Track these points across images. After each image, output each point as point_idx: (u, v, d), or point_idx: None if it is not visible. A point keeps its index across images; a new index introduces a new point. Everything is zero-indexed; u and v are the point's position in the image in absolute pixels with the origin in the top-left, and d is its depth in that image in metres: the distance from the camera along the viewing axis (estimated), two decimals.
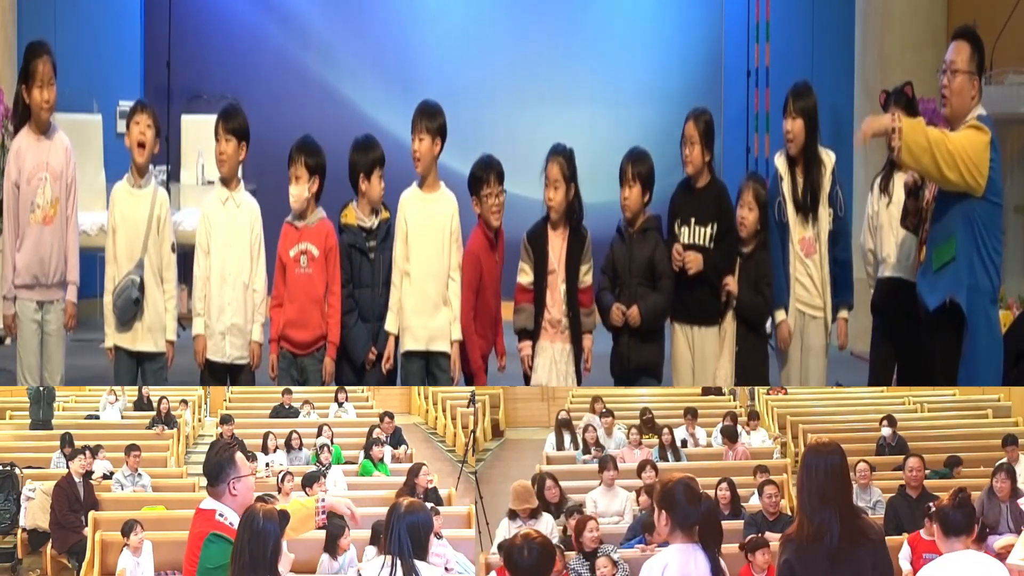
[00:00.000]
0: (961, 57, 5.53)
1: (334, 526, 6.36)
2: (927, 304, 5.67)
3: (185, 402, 11.27)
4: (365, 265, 6.24)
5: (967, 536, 3.70)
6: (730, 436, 9.31)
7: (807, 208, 6.23)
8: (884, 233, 6.41)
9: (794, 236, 6.26)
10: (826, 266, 6.25)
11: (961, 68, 5.52)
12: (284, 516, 3.83)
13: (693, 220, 6.15)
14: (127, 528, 6.57)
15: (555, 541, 6.43)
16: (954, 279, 5.59)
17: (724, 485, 7.17)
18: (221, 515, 3.96)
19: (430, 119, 6.20)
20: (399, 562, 3.83)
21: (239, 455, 4.07)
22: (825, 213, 6.23)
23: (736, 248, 6.20)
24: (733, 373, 6.21)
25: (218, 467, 4.03)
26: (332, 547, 6.30)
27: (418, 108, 6.26)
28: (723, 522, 6.74)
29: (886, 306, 6.47)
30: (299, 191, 6.16)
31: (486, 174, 6.13)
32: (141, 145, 6.34)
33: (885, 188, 6.45)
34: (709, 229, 6.14)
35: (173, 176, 10.76)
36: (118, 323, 6.34)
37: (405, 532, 3.84)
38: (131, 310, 6.30)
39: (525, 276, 6.16)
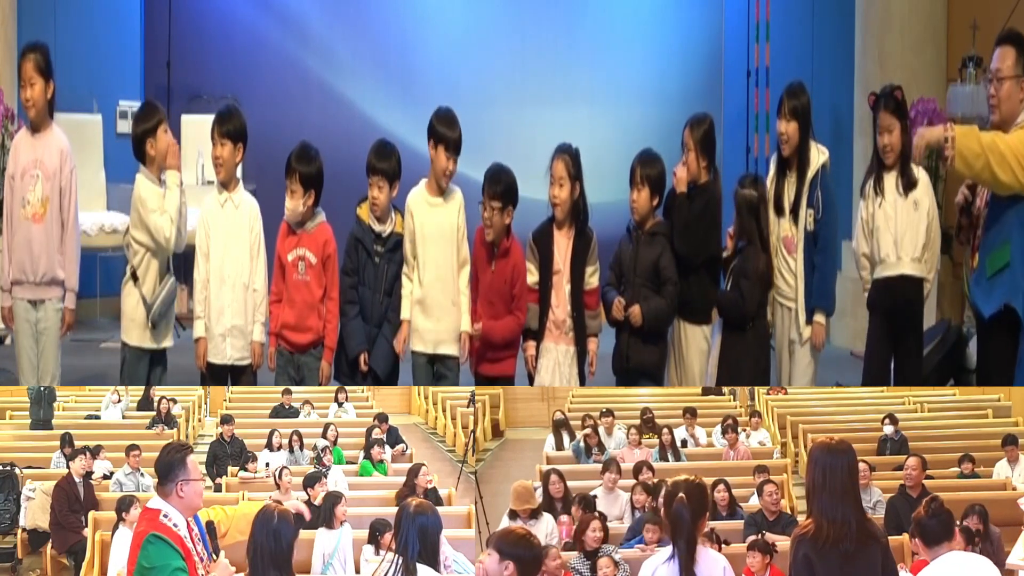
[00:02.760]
0: (1007, 63, 5.55)
1: (331, 495, 6.63)
2: (982, 312, 5.65)
3: (174, 400, 11.17)
4: (369, 267, 6.22)
5: (948, 543, 3.73)
6: (733, 430, 9.33)
7: (795, 208, 6.27)
8: (881, 234, 6.39)
9: (778, 233, 6.32)
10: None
11: (1007, 74, 5.54)
12: (299, 518, 3.86)
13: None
14: (127, 503, 6.60)
15: (554, 542, 6.44)
16: (1010, 284, 5.57)
17: (721, 486, 7.17)
18: (166, 515, 3.98)
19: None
20: (402, 561, 3.84)
21: (191, 459, 4.10)
22: (804, 214, 6.26)
23: (718, 248, 6.25)
24: (707, 372, 6.25)
25: (168, 467, 4.06)
26: (330, 518, 6.48)
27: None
28: (723, 522, 6.82)
29: (884, 305, 6.45)
30: (294, 205, 6.14)
31: (486, 185, 6.03)
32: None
33: (880, 190, 6.39)
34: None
35: None
36: (150, 323, 6.29)
37: (415, 534, 3.86)
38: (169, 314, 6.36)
39: (530, 276, 6.16)
